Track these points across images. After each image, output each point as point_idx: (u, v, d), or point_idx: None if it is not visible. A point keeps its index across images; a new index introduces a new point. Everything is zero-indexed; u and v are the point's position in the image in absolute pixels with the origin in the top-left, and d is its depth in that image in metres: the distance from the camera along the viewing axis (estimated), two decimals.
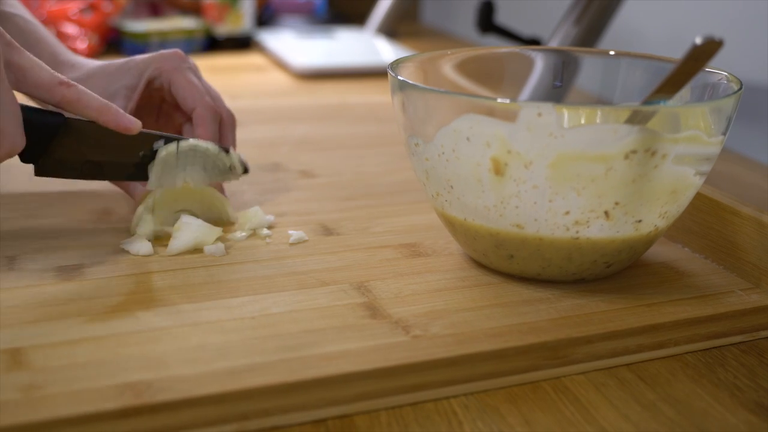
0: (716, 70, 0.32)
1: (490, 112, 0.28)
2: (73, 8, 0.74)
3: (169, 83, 0.37)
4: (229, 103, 0.63)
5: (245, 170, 0.37)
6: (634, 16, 0.59)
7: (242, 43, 0.83)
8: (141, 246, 0.33)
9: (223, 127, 0.38)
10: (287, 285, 0.30)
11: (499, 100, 0.29)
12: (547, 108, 0.27)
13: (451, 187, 0.30)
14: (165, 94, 0.38)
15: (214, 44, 0.82)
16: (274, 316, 0.28)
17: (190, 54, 0.80)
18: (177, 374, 0.24)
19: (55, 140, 0.32)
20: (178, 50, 0.38)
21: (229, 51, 0.82)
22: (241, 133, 0.53)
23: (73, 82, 0.31)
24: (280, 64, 0.76)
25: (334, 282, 0.31)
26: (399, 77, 0.31)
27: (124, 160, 0.34)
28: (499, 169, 0.28)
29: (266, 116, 0.58)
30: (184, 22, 0.80)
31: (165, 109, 0.40)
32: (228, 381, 0.23)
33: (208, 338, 0.26)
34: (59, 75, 0.31)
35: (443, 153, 0.29)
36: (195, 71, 0.38)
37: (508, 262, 0.31)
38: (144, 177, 0.34)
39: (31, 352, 0.25)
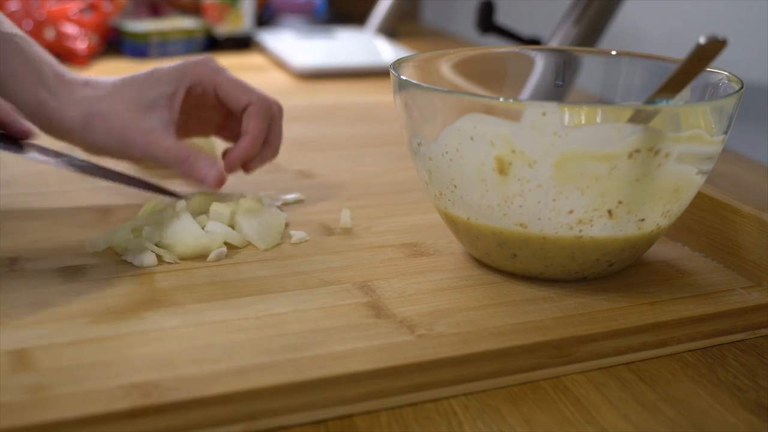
0: (717, 70, 0.32)
1: (494, 112, 0.28)
2: (73, 8, 0.74)
3: (214, 86, 0.37)
4: None
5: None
6: (634, 16, 0.59)
7: (242, 43, 0.83)
8: (145, 257, 0.32)
9: (273, 119, 0.39)
10: (291, 285, 0.30)
11: (503, 99, 0.29)
12: (552, 107, 0.27)
13: (455, 186, 0.30)
14: (208, 99, 0.38)
15: (214, 44, 0.82)
16: (279, 316, 0.28)
17: (190, 54, 0.80)
18: (184, 374, 0.24)
19: None
20: (207, 56, 0.38)
21: (229, 51, 0.82)
22: None
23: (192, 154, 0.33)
24: (280, 64, 0.76)
25: (338, 282, 0.31)
26: (402, 77, 0.31)
27: None
28: (503, 169, 0.28)
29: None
30: (184, 22, 0.80)
31: (195, 115, 0.39)
32: (236, 381, 0.23)
33: (214, 338, 0.26)
34: (184, 147, 0.32)
35: (447, 152, 0.29)
36: (226, 69, 0.38)
37: (511, 261, 0.31)
38: None
39: (37, 353, 0.25)
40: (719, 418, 0.25)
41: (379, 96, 0.65)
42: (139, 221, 0.34)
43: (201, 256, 0.33)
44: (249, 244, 0.34)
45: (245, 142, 0.37)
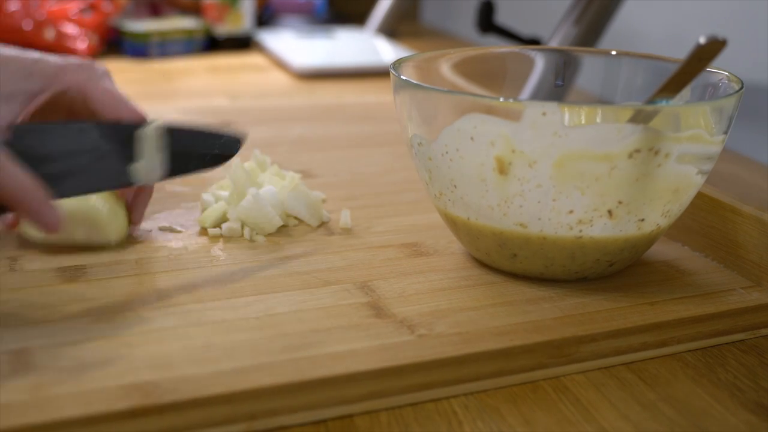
0: (717, 70, 0.32)
1: (494, 112, 0.28)
2: (73, 8, 0.74)
3: (84, 96, 0.33)
4: (230, 103, 0.63)
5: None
6: (634, 16, 0.59)
7: (242, 43, 0.83)
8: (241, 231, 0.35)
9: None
10: (291, 285, 0.30)
11: (503, 99, 0.29)
12: (552, 107, 0.27)
13: (455, 186, 0.30)
14: (78, 106, 0.34)
15: (214, 44, 0.82)
16: (279, 316, 0.28)
17: (190, 54, 0.80)
18: (184, 374, 0.24)
19: None
20: (89, 60, 0.34)
21: (229, 51, 0.82)
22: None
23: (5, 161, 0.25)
24: (280, 64, 0.76)
25: (338, 282, 0.31)
26: (402, 77, 0.31)
27: None
28: (503, 169, 0.28)
29: (266, 116, 0.58)
30: (184, 22, 0.80)
31: (55, 116, 0.34)
32: (236, 381, 0.23)
33: (213, 338, 0.26)
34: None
35: (447, 152, 0.29)
36: (109, 77, 0.34)
37: (511, 261, 0.31)
38: None
39: (37, 353, 0.25)
40: (719, 418, 0.25)
41: (378, 96, 0.65)
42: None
43: (201, 253, 0.33)
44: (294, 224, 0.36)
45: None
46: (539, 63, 0.38)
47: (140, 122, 0.32)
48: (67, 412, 0.22)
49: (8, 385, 0.23)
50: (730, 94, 0.29)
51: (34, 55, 0.34)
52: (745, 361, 0.28)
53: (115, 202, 0.33)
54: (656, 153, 0.28)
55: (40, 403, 0.22)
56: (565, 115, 0.27)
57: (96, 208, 0.32)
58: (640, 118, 0.27)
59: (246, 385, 0.23)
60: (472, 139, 0.28)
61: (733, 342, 0.30)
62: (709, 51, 0.27)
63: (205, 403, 0.23)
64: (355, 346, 0.26)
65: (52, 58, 0.34)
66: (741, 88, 0.30)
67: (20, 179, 0.25)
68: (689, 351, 0.29)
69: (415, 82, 0.30)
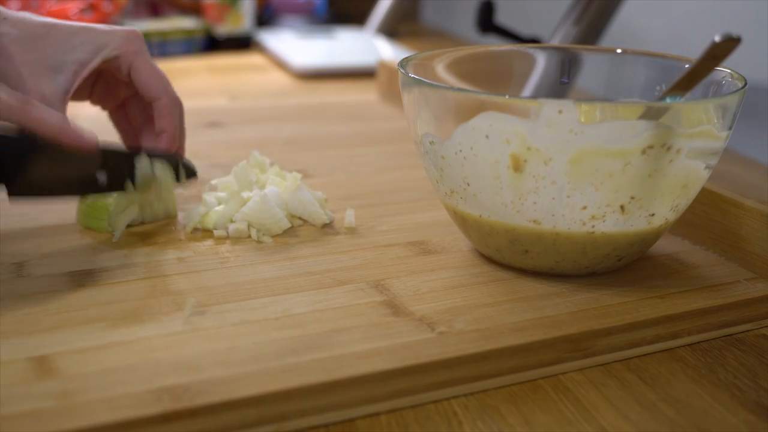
0: (720, 68, 0.33)
1: (509, 110, 0.28)
2: (73, 8, 0.73)
3: (129, 67, 0.35)
4: (229, 103, 0.63)
5: (193, 174, 0.37)
6: (634, 15, 0.60)
7: (242, 43, 0.82)
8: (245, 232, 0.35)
9: (182, 120, 0.37)
10: (304, 285, 0.30)
11: (519, 97, 0.29)
12: (568, 105, 0.27)
13: (468, 184, 0.30)
14: (121, 76, 0.35)
15: (214, 44, 0.81)
16: (298, 317, 0.28)
17: (190, 54, 0.79)
18: (212, 377, 0.24)
19: (26, 161, 0.29)
20: (136, 30, 0.36)
21: (229, 51, 0.81)
22: (240, 133, 0.53)
23: (32, 101, 0.29)
24: (280, 64, 0.76)
25: (351, 281, 0.31)
26: (413, 75, 0.31)
27: (89, 173, 0.32)
28: (518, 166, 0.28)
29: (265, 116, 0.58)
30: (184, 22, 0.80)
31: (112, 85, 0.37)
32: (265, 382, 0.24)
33: (236, 340, 0.26)
34: (19, 94, 0.29)
35: (461, 151, 0.29)
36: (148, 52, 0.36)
37: (522, 257, 0.31)
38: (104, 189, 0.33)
39: (59, 359, 0.25)
40: (719, 418, 0.24)
41: (378, 96, 0.65)
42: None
43: (205, 252, 0.33)
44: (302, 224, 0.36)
45: (164, 142, 0.35)
46: (541, 61, 0.39)
47: (174, 108, 0.35)
48: (98, 419, 0.22)
49: (34, 392, 0.23)
50: (735, 91, 0.30)
51: (77, 24, 0.35)
52: (745, 361, 0.28)
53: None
54: (668, 149, 0.28)
55: (70, 409, 0.22)
56: (581, 112, 0.27)
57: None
58: (651, 114, 0.28)
59: (276, 386, 0.23)
60: (487, 137, 0.28)
61: (739, 333, 0.30)
62: (723, 49, 0.27)
63: (236, 405, 0.23)
64: (378, 345, 0.26)
65: (99, 27, 0.35)
66: (744, 85, 0.31)
67: (55, 116, 0.30)
68: (690, 346, 0.29)
69: (428, 81, 0.31)
